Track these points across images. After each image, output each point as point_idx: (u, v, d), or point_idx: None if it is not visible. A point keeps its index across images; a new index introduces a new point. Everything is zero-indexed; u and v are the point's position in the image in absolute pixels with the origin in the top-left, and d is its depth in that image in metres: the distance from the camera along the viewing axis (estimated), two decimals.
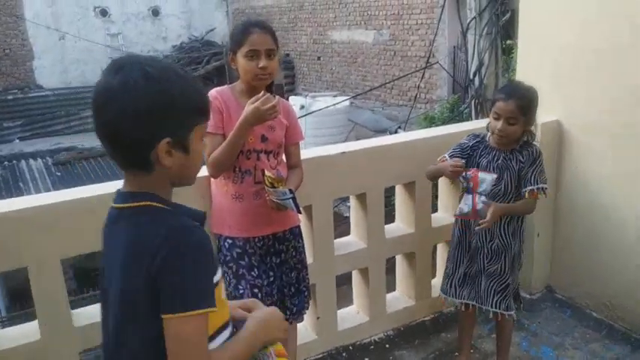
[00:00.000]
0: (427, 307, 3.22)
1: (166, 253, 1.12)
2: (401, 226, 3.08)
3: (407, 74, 8.57)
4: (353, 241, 2.95)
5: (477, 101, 3.91)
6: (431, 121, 9.37)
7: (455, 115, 9.46)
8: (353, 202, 2.93)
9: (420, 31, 11.50)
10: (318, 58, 14.61)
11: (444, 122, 9.37)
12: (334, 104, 7.74)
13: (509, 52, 4.02)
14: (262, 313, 1.34)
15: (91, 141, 14.26)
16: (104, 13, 16.66)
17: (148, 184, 1.23)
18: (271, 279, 2.40)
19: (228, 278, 2.37)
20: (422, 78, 9.44)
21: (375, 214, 2.89)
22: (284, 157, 2.46)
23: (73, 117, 15.88)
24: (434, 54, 11.39)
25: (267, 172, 2.24)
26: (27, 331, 2.24)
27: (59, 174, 11.83)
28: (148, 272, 1.11)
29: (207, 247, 1.18)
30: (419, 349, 3.04)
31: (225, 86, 2.39)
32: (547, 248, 3.38)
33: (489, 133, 2.57)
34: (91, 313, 2.34)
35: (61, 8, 16.04)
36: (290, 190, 2.19)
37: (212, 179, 2.37)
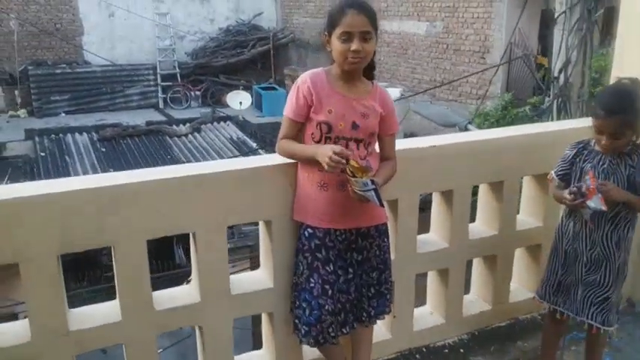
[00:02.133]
0: (503, 312, 3.06)
1: None
2: (483, 227, 2.93)
3: (483, 69, 8.29)
4: (434, 239, 2.81)
5: (559, 100, 3.71)
6: (485, 118, 9.14)
7: (507, 114, 9.21)
8: (437, 199, 2.79)
9: (476, 24, 11.19)
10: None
11: (499, 120, 9.17)
12: (413, 94, 7.44)
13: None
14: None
15: (134, 118, 14.45)
16: None
17: None
18: (350, 276, 2.28)
19: (301, 268, 2.28)
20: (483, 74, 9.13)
21: (460, 214, 2.74)
22: (377, 147, 2.34)
23: (118, 94, 16.07)
24: (489, 49, 11.11)
25: (351, 161, 2.11)
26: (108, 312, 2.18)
27: (104, 149, 11.94)
28: None
29: None
30: (495, 356, 2.89)
31: (321, 69, 2.27)
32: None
33: (594, 139, 2.40)
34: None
35: None
36: (372, 181, 2.05)
37: (299, 165, 2.28)
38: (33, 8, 15.84)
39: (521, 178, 2.94)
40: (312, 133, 2.21)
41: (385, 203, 2.44)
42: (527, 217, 3.03)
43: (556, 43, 3.72)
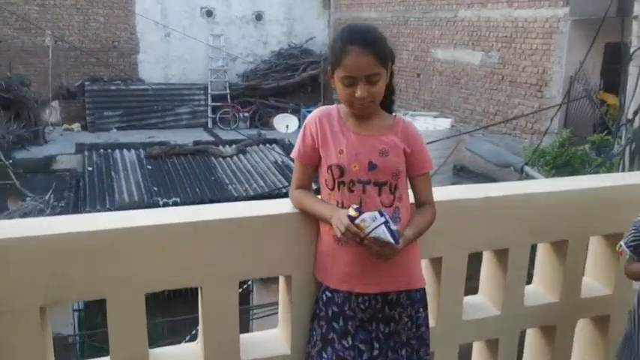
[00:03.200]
0: None
1: None
2: (542, 292, 2.52)
3: (544, 108, 7.75)
4: (483, 304, 2.43)
5: (632, 146, 3.28)
6: (541, 155, 8.61)
7: (565, 152, 8.64)
8: (488, 257, 2.41)
9: (534, 56, 10.70)
10: (418, 75, 14.06)
11: (555, 158, 8.61)
12: (465, 132, 7.02)
13: None
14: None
15: (182, 137, 14.51)
16: (210, 13, 16.90)
17: None
18: (375, 352, 1.91)
19: (315, 338, 1.94)
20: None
21: (515, 277, 2.36)
22: (410, 192, 2.00)
23: (169, 112, 16.24)
24: (547, 82, 10.59)
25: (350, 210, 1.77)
26: None
27: (150, 167, 11.97)
28: None
29: None
30: None
31: (334, 105, 1.99)
32: None
33: None
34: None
35: (170, 6, 16.42)
36: (381, 212, 1.71)
37: None
38: (93, 26, 16.23)
39: (589, 237, 2.53)
40: (326, 180, 1.92)
41: (424, 262, 2.09)
42: (593, 283, 2.61)
43: (631, 81, 3.31)
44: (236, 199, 11.10)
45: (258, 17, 17.41)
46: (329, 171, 1.88)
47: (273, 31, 17.65)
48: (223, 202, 11.12)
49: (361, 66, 1.78)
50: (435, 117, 10.39)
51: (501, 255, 2.35)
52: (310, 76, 16.98)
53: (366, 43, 1.79)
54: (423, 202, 1.99)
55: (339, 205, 1.88)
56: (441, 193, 2.16)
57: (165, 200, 10.66)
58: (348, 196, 1.88)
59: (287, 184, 11.75)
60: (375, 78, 1.81)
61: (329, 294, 1.91)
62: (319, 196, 1.97)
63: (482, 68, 12.07)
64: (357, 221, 1.72)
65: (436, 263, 2.21)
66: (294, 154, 1.98)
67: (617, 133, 3.50)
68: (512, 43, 11.19)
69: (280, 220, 1.96)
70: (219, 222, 1.87)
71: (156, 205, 10.56)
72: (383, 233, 1.70)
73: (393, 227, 1.73)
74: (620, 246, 2.13)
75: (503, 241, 2.31)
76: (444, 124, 9.34)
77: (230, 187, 11.37)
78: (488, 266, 2.42)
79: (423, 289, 1.98)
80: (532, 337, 2.60)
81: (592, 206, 2.42)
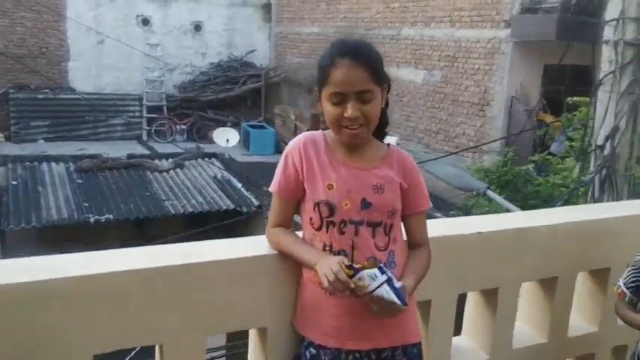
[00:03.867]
0: None
1: None
2: (530, 332, 2.34)
3: (519, 132, 7.71)
4: (469, 347, 2.21)
5: (602, 174, 3.21)
6: (485, 174, 8.67)
7: (509, 171, 8.76)
8: (475, 298, 2.21)
9: (476, 76, 10.86)
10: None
11: (500, 177, 8.70)
12: (436, 158, 6.81)
13: None
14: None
15: (115, 150, 13.81)
16: (146, 22, 16.32)
17: None
18: None
19: None
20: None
21: (505, 318, 2.17)
22: (404, 232, 1.76)
23: (101, 123, 15.48)
24: (489, 102, 10.76)
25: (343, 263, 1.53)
26: None
27: (80, 181, 11.29)
28: None
29: None
30: None
31: (320, 131, 1.73)
32: None
33: None
34: None
35: (104, 12, 15.74)
36: (381, 268, 1.47)
37: None
38: (19, 30, 15.29)
39: (577, 273, 2.38)
40: (311, 219, 1.64)
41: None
42: (579, 321, 2.45)
43: (601, 106, 3.24)
44: (174, 216, 10.60)
45: (197, 28, 16.97)
46: (316, 209, 1.62)
47: (213, 42, 17.23)
48: (160, 218, 10.64)
49: (352, 80, 1.54)
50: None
51: (490, 295, 2.15)
52: (251, 89, 16.68)
53: (358, 56, 1.56)
54: (418, 243, 1.76)
55: (326, 248, 1.62)
56: (429, 227, 1.93)
57: (97, 217, 10.03)
58: (337, 239, 1.62)
59: (227, 200, 11.35)
60: (367, 95, 1.56)
61: (313, 350, 1.64)
62: (301, 235, 1.70)
63: (425, 86, 12.16)
64: (357, 278, 1.47)
65: (424, 307, 1.98)
66: (272, 187, 1.69)
67: (586, 160, 3.43)
68: (454, 62, 11.33)
69: (255, 264, 1.67)
70: (178, 269, 1.56)
71: (86, 223, 9.93)
72: (387, 293, 1.46)
73: (397, 285, 1.48)
74: (619, 287, 1.97)
75: (494, 281, 2.11)
76: (391, 141, 9.22)
77: (167, 203, 10.85)
78: (474, 307, 2.21)
79: (420, 343, 1.74)
80: None
81: (583, 240, 2.27)
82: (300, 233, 1.71)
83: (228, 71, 16.99)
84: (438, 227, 1.97)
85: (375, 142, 1.71)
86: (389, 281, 1.46)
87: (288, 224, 1.72)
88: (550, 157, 8.94)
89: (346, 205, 1.60)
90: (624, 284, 1.96)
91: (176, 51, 16.67)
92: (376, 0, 13.22)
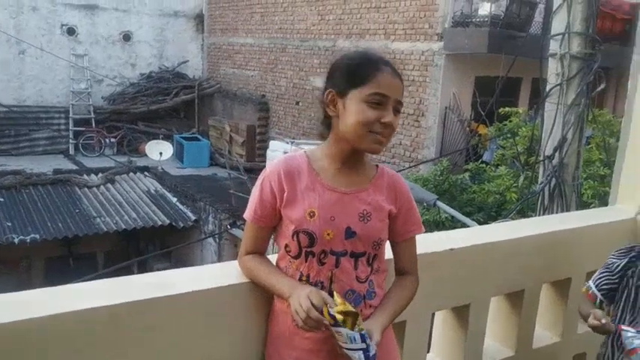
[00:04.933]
0: None
1: None
2: (496, 346, 2.32)
3: (461, 149, 7.80)
4: None
5: (552, 182, 3.27)
6: (424, 184, 8.80)
7: (446, 180, 8.95)
8: (444, 315, 2.16)
9: (411, 87, 11.05)
10: (297, 103, 14.00)
11: (437, 185, 8.86)
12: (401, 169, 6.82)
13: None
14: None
15: (39, 165, 13.10)
16: (72, 31, 15.62)
17: None
18: None
19: None
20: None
21: (475, 333, 2.13)
22: (385, 260, 1.65)
23: (23, 137, 14.65)
24: (423, 113, 10.98)
25: (334, 297, 1.44)
26: None
27: (1, 199, 10.60)
28: None
29: None
30: None
31: (301, 152, 1.60)
32: None
33: None
34: None
35: (25, 20, 14.95)
36: (362, 335, 1.37)
37: None
38: None
39: (542, 285, 2.38)
40: (287, 246, 1.53)
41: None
42: (543, 332, 2.46)
43: (548, 117, 3.32)
44: (106, 233, 10.14)
45: (126, 37, 16.42)
46: (294, 237, 1.50)
47: (143, 52, 16.73)
48: (91, 237, 10.13)
49: (395, 87, 1.50)
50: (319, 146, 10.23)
51: (460, 311, 2.11)
52: (184, 100, 16.29)
53: (395, 69, 1.53)
54: (406, 270, 1.67)
55: (303, 278, 1.51)
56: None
57: (21, 237, 9.45)
58: (316, 269, 1.51)
59: (162, 215, 10.98)
60: (400, 107, 1.52)
61: None
62: (275, 260, 1.59)
63: None
64: (334, 330, 1.37)
65: (399, 328, 1.91)
66: (247, 214, 1.56)
67: (533, 170, 3.50)
68: None
69: (228, 294, 1.53)
70: (149, 302, 1.40)
71: (10, 244, 9.32)
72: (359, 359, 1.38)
73: (372, 352, 1.38)
74: (590, 288, 1.96)
75: (465, 297, 2.07)
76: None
77: (98, 220, 10.38)
78: (443, 324, 2.17)
79: None
80: None
81: (546, 252, 2.28)
82: (273, 257, 1.60)
83: (160, 82, 16.53)
84: None
85: (366, 162, 1.61)
86: (365, 351, 1.37)
87: (263, 251, 1.60)
88: (483, 165, 9.20)
89: (328, 235, 1.49)
90: (595, 285, 1.95)
91: (104, 61, 16.07)
92: (311, 12, 13.24)
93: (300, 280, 1.50)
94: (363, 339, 1.36)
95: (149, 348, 1.41)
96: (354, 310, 1.39)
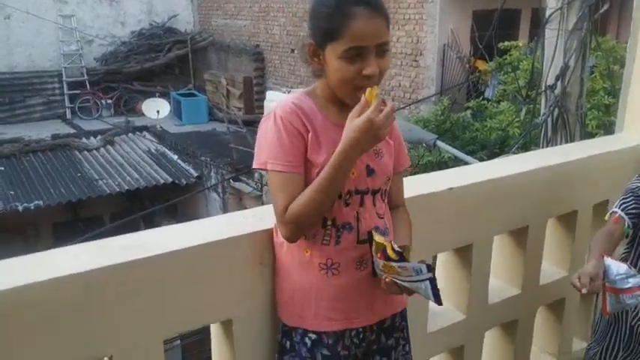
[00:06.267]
0: None
1: None
2: (501, 285, 2.26)
3: (459, 85, 7.56)
4: (444, 308, 2.09)
5: (555, 113, 3.14)
6: (425, 124, 8.65)
7: (447, 119, 8.79)
8: (445, 257, 2.09)
9: (407, 26, 10.74)
10: (292, 51, 13.67)
11: (439, 125, 8.71)
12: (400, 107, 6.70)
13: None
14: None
15: (37, 131, 12.97)
16: None
17: None
18: None
19: None
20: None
21: (480, 274, 2.06)
22: None
23: (18, 104, 14.47)
24: (421, 52, 10.70)
25: (377, 236, 1.40)
26: None
27: (2, 168, 10.55)
28: None
29: None
30: None
31: (301, 92, 1.49)
32: None
33: None
34: None
35: None
36: (428, 265, 1.33)
37: (275, 239, 1.50)
38: None
39: (547, 220, 2.29)
40: None
41: None
42: (549, 268, 2.39)
43: (549, 45, 3.15)
44: (109, 196, 10.11)
45: None
46: None
47: (131, 9, 16.28)
48: (93, 200, 10.11)
49: (372, 32, 1.33)
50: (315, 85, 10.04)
51: (464, 252, 2.03)
52: (177, 56, 15.97)
53: (373, 2, 1.34)
54: (399, 203, 1.62)
55: (328, 223, 1.42)
56: None
57: (25, 205, 9.43)
58: (343, 212, 1.42)
59: (164, 173, 10.91)
60: (386, 47, 1.37)
61: (314, 336, 1.46)
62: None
63: None
64: (398, 265, 1.34)
65: None
66: (273, 164, 1.36)
67: (535, 102, 3.35)
68: None
69: (212, 251, 1.45)
70: (127, 265, 1.32)
71: (15, 212, 9.32)
72: (424, 290, 1.35)
73: (436, 284, 1.35)
74: (615, 212, 1.85)
75: (467, 237, 1.99)
76: None
77: (100, 182, 10.34)
78: (445, 266, 2.10)
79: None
80: (493, 336, 2.33)
81: (550, 186, 2.18)
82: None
83: (152, 39, 16.15)
84: (408, 185, 1.81)
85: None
86: (432, 280, 1.33)
87: None
88: (485, 102, 9.01)
89: (353, 173, 1.41)
90: (623, 210, 1.85)
91: (92, 21, 15.67)
92: None
93: (325, 225, 1.42)
94: (429, 268, 1.33)
95: (131, 314, 1.34)
96: (404, 245, 1.44)
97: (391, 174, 1.52)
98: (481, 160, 7.67)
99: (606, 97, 6.89)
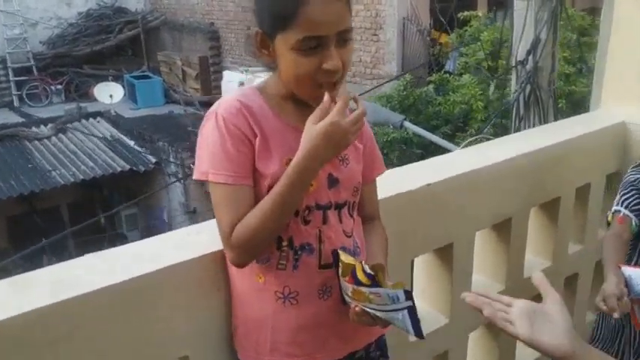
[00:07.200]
0: None
1: None
2: (484, 281, 2.10)
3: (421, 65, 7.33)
4: (427, 312, 1.93)
5: (527, 89, 2.99)
6: (388, 101, 8.48)
7: (410, 94, 8.62)
8: (425, 258, 1.91)
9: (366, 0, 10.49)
10: (248, 28, 13.25)
11: (401, 101, 8.55)
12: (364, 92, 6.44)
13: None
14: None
15: None
16: None
17: None
18: None
19: None
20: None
21: (462, 273, 1.89)
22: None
23: None
24: (381, 26, 10.47)
25: (344, 256, 1.20)
26: None
27: None
28: None
29: None
30: None
31: (251, 88, 1.25)
32: None
33: None
34: None
35: None
36: (407, 291, 1.12)
37: (234, 268, 1.26)
38: None
39: (530, 209, 2.14)
40: None
41: None
42: (533, 259, 2.25)
43: (518, 18, 2.98)
44: (64, 186, 9.67)
45: None
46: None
47: None
48: (48, 192, 9.65)
49: (332, 18, 1.11)
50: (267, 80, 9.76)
51: (443, 252, 1.86)
52: (129, 37, 15.34)
53: None
54: (372, 216, 1.40)
55: (284, 243, 1.20)
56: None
57: None
58: (302, 231, 1.21)
59: (121, 160, 10.49)
60: (348, 35, 1.15)
61: None
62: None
63: None
64: (369, 291, 1.12)
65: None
66: (215, 175, 1.14)
67: (505, 77, 3.20)
68: None
69: (165, 276, 1.23)
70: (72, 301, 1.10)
71: None
72: (402, 322, 1.14)
73: (417, 314, 1.14)
74: (618, 212, 1.70)
75: (446, 235, 1.81)
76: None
77: (54, 173, 9.87)
78: (427, 268, 1.92)
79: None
80: (477, 337, 2.18)
81: (528, 174, 2.02)
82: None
83: (101, 20, 15.46)
84: (381, 182, 1.61)
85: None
86: (410, 309, 1.12)
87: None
88: (447, 75, 8.88)
89: (311, 185, 1.18)
90: (625, 208, 1.70)
91: (35, 3, 14.88)
92: None
93: (280, 246, 1.20)
94: (408, 295, 1.11)
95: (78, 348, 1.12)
96: (380, 264, 1.23)
97: (360, 184, 1.30)
98: (446, 134, 7.56)
99: (567, 65, 6.84)
